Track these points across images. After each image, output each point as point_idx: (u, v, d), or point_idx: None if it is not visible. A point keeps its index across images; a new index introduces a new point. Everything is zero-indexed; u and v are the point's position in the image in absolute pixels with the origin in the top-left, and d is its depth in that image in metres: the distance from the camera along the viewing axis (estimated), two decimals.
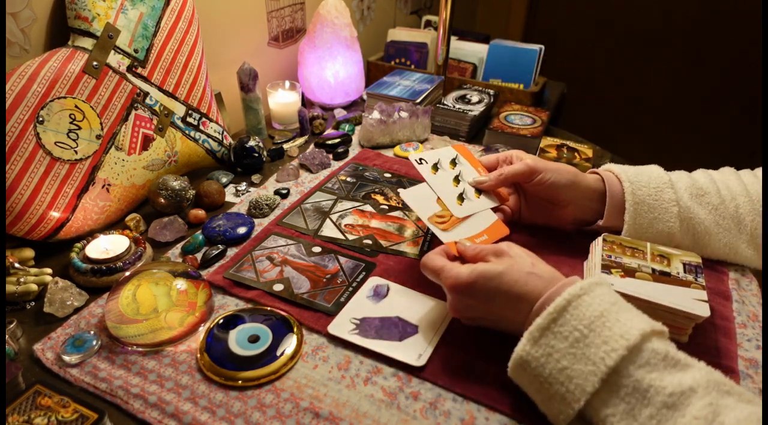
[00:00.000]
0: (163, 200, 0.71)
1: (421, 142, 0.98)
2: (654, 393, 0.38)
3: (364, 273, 0.63)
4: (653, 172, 0.65)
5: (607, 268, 0.55)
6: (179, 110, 0.77)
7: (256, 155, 0.84)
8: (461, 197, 0.63)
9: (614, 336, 0.41)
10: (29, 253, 0.64)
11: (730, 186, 0.63)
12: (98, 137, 0.68)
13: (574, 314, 0.43)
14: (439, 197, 0.62)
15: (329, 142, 0.94)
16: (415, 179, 0.84)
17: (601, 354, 0.40)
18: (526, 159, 0.65)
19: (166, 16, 0.73)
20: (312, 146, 0.96)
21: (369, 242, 0.69)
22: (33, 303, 0.59)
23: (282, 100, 1.01)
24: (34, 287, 0.58)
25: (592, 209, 0.66)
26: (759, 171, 0.65)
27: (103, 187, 0.69)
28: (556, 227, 0.70)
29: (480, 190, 0.66)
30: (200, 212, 0.73)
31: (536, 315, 0.45)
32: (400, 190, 0.62)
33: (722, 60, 2.00)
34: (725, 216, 0.62)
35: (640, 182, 0.63)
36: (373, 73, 1.34)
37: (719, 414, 0.36)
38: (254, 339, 0.53)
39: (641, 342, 0.41)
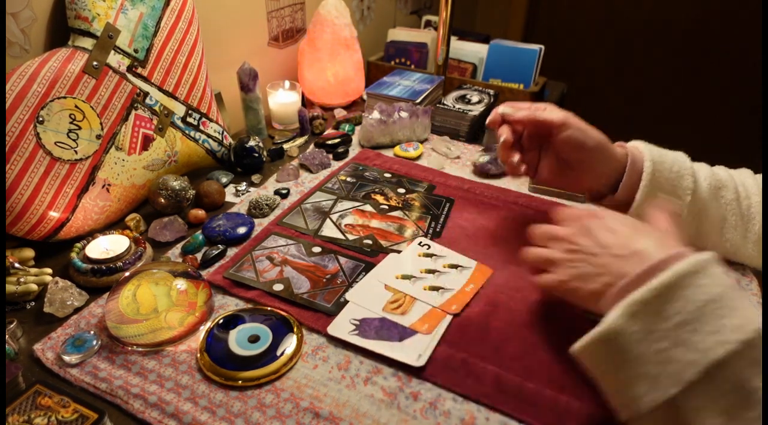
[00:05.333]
0: (163, 200, 0.71)
1: (421, 142, 0.98)
2: (760, 397, 0.35)
3: (364, 273, 0.63)
4: (678, 157, 0.63)
5: None
6: (179, 110, 0.77)
7: (256, 155, 0.84)
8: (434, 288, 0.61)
9: (727, 326, 0.37)
10: (29, 253, 0.64)
11: (746, 184, 0.63)
12: (98, 137, 0.68)
13: (683, 295, 0.38)
14: (386, 285, 0.60)
15: (329, 142, 0.94)
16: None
17: (709, 343, 0.36)
18: (560, 112, 0.62)
19: (166, 16, 0.73)
20: (312, 146, 0.96)
21: (369, 242, 0.69)
22: (33, 303, 0.59)
23: (282, 100, 1.01)
24: (34, 287, 0.58)
25: (609, 182, 0.64)
26: None
27: (103, 187, 0.69)
28: (570, 192, 0.67)
29: (454, 265, 0.64)
30: (200, 212, 0.73)
31: (639, 283, 0.41)
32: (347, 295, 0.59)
33: (722, 60, 2.01)
34: (736, 213, 0.61)
35: (663, 163, 0.61)
36: (373, 73, 1.34)
37: None
38: (254, 339, 0.53)
39: (756, 337, 0.36)
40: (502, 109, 0.64)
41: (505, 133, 0.63)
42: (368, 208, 0.76)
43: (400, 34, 1.38)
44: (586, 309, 0.56)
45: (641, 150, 0.63)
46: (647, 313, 0.39)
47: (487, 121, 0.66)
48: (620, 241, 0.47)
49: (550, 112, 0.62)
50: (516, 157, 0.64)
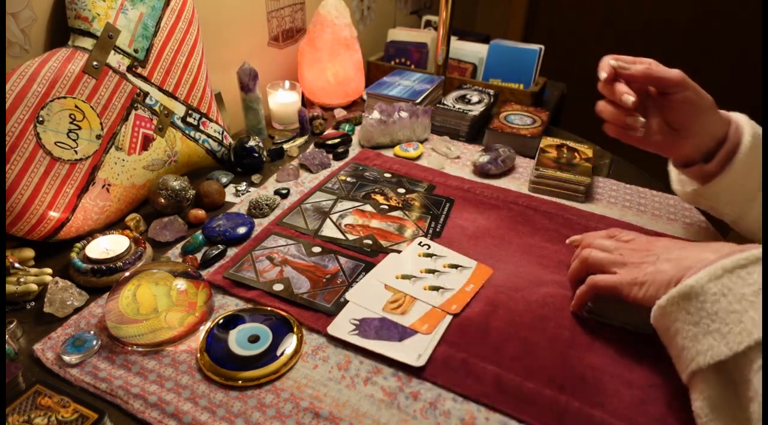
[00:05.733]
0: (163, 200, 0.71)
1: (421, 142, 0.98)
2: None
3: (364, 273, 0.63)
4: None
5: None
6: (179, 110, 0.77)
7: (256, 155, 0.84)
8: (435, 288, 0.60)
9: None
10: (29, 253, 0.64)
11: None
12: (98, 137, 0.68)
13: None
14: (386, 285, 0.60)
15: (329, 142, 0.94)
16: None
17: None
18: (674, 69, 0.58)
19: (166, 16, 0.73)
20: (312, 146, 0.96)
21: (369, 242, 0.69)
22: (33, 303, 0.59)
23: (282, 100, 1.01)
24: (34, 287, 0.58)
25: (706, 149, 0.60)
26: None
27: (103, 187, 0.69)
28: (663, 156, 0.64)
29: (454, 265, 0.64)
30: (200, 212, 0.73)
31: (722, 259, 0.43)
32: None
33: (722, 60, 2.00)
34: None
35: (759, 138, 0.59)
36: (373, 73, 1.34)
37: None
38: (254, 339, 0.53)
39: None
40: (613, 62, 0.59)
41: (630, 94, 0.57)
42: (368, 208, 0.76)
43: (400, 34, 1.38)
44: (592, 310, 0.56)
45: (743, 122, 0.61)
46: (730, 278, 0.41)
47: (601, 75, 0.60)
48: (690, 244, 0.50)
49: (664, 68, 0.58)
50: (641, 120, 0.59)
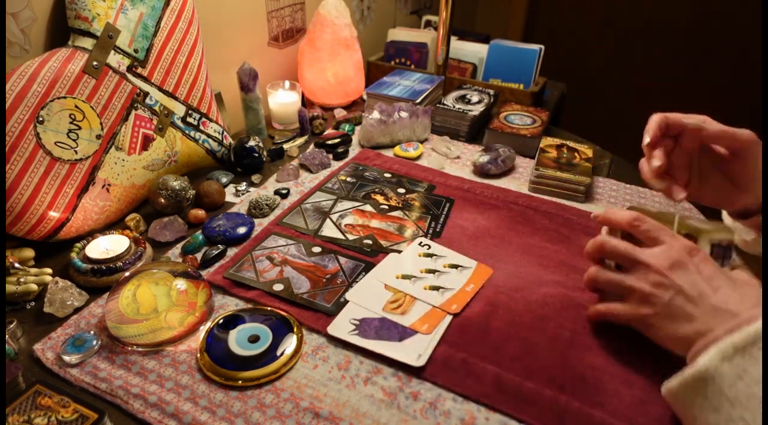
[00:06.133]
0: (163, 200, 0.71)
1: (421, 142, 0.98)
2: None
3: (364, 273, 0.63)
4: None
5: None
6: (179, 110, 0.77)
7: (256, 155, 0.84)
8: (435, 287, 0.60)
9: None
10: (29, 253, 0.64)
11: None
12: (98, 137, 0.68)
13: None
14: (386, 285, 0.60)
15: (329, 142, 0.94)
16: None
17: None
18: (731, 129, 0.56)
19: (166, 16, 0.73)
20: (312, 146, 0.96)
21: (369, 242, 0.69)
22: (33, 303, 0.59)
23: (282, 100, 1.01)
24: (34, 287, 0.58)
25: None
26: None
27: (103, 187, 0.69)
28: (719, 208, 0.63)
29: (454, 265, 0.64)
30: (200, 212, 0.73)
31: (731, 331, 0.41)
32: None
33: (723, 60, 2.00)
34: None
35: None
36: (373, 73, 1.34)
37: None
38: (254, 339, 0.53)
39: None
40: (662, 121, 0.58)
41: (659, 159, 0.57)
42: (368, 208, 0.76)
43: (400, 34, 1.38)
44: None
45: None
46: (743, 358, 0.39)
47: (645, 139, 0.59)
48: (716, 291, 0.46)
49: (735, 130, 0.57)
50: (680, 191, 0.58)
